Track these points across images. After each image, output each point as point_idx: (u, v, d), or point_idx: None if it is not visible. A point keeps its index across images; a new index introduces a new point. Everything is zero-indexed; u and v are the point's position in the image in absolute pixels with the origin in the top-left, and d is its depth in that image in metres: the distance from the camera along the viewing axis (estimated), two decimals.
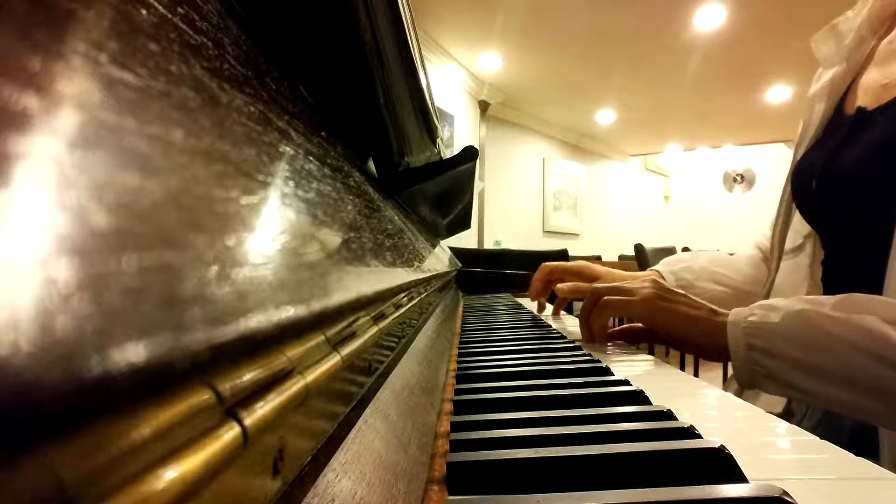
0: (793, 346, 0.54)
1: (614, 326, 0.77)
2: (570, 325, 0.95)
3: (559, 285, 1.00)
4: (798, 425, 0.63)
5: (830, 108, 0.76)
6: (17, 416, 0.06)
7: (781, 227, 0.84)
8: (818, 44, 0.81)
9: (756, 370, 0.57)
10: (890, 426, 0.56)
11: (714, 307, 0.65)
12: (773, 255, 0.85)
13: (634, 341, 0.74)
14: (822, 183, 0.72)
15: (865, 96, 0.71)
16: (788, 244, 0.83)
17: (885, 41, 0.73)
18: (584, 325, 0.73)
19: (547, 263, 1.06)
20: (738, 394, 0.82)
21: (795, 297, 0.59)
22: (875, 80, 0.71)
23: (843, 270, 0.72)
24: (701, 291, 0.94)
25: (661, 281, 0.71)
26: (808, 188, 0.74)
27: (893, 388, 0.49)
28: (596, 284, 0.75)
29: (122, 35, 0.11)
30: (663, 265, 0.99)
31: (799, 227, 0.81)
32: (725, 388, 0.83)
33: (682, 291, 0.68)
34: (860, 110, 0.70)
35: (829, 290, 0.73)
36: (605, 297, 0.69)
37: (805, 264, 0.78)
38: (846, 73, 0.75)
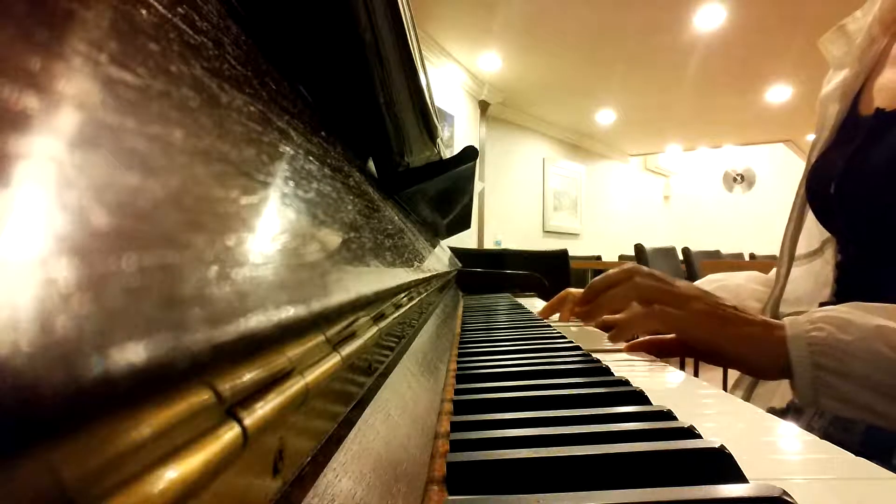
0: (871, 367, 0.49)
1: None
2: (574, 325, 0.95)
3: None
4: (808, 423, 0.62)
5: (844, 109, 0.74)
6: (17, 416, 0.06)
7: (793, 231, 0.82)
8: (827, 45, 0.80)
9: (823, 390, 0.52)
10: None
11: (767, 319, 0.60)
12: (783, 260, 0.82)
13: (661, 355, 0.66)
14: (841, 186, 0.69)
15: (883, 97, 0.69)
16: (802, 249, 0.80)
17: None
18: (605, 314, 0.66)
19: (570, 291, 0.99)
20: (746, 399, 0.81)
21: (857, 305, 0.54)
22: (892, 80, 0.69)
23: (862, 275, 0.70)
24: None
25: (706, 289, 0.65)
26: (826, 192, 0.72)
27: None
28: (639, 278, 0.66)
29: (122, 35, 0.11)
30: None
31: (816, 231, 0.78)
32: (731, 392, 0.81)
33: (732, 304, 0.62)
34: (879, 112, 0.68)
35: (844, 294, 0.71)
36: (656, 307, 0.62)
37: (825, 270, 0.75)
38: (859, 74, 0.73)
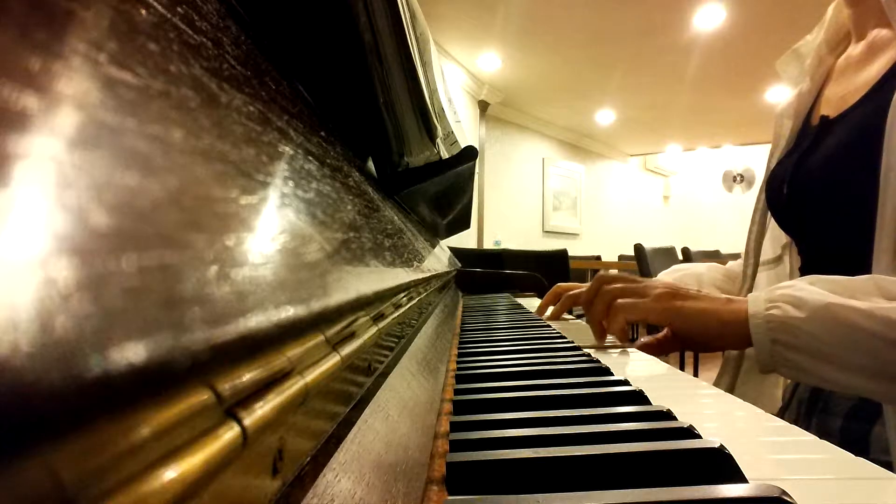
0: (820, 341, 0.55)
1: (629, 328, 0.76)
2: (571, 322, 0.95)
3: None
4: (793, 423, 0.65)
5: (799, 122, 0.83)
6: (16, 416, 0.06)
7: (756, 235, 0.88)
8: (783, 66, 0.90)
9: (779, 360, 0.58)
10: None
11: (728, 296, 0.65)
12: (749, 261, 0.88)
13: (662, 353, 0.71)
14: (791, 187, 0.77)
15: (828, 108, 0.78)
16: (769, 254, 0.87)
17: (841, 58, 0.82)
18: (597, 328, 0.71)
19: (561, 285, 1.03)
20: (730, 389, 0.85)
21: (815, 280, 0.59)
22: (836, 92, 0.79)
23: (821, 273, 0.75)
24: None
25: (671, 278, 0.72)
26: (780, 194, 0.79)
27: None
28: (606, 286, 0.72)
29: (121, 35, 0.11)
30: (663, 276, 0.99)
31: (778, 237, 0.84)
32: (716, 384, 0.84)
33: (694, 288, 0.68)
34: (824, 118, 0.77)
35: None
36: (618, 302, 0.68)
37: (786, 275, 0.81)
38: (811, 90, 0.83)
